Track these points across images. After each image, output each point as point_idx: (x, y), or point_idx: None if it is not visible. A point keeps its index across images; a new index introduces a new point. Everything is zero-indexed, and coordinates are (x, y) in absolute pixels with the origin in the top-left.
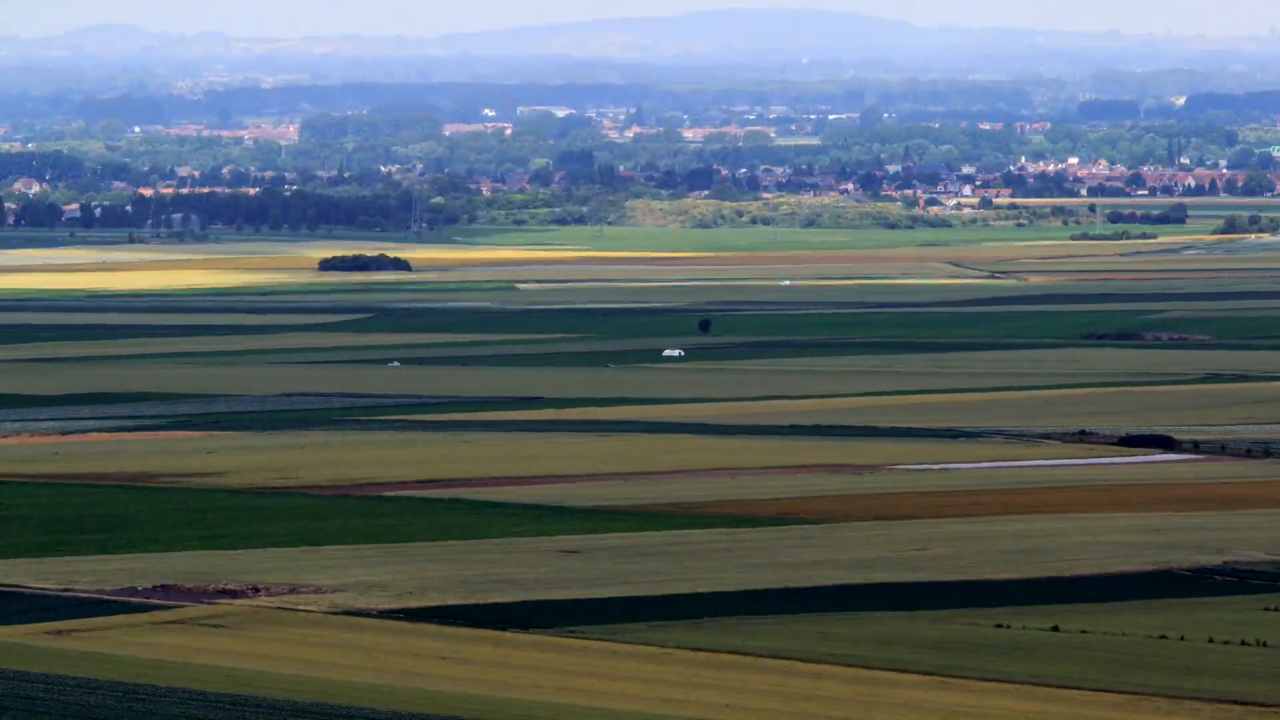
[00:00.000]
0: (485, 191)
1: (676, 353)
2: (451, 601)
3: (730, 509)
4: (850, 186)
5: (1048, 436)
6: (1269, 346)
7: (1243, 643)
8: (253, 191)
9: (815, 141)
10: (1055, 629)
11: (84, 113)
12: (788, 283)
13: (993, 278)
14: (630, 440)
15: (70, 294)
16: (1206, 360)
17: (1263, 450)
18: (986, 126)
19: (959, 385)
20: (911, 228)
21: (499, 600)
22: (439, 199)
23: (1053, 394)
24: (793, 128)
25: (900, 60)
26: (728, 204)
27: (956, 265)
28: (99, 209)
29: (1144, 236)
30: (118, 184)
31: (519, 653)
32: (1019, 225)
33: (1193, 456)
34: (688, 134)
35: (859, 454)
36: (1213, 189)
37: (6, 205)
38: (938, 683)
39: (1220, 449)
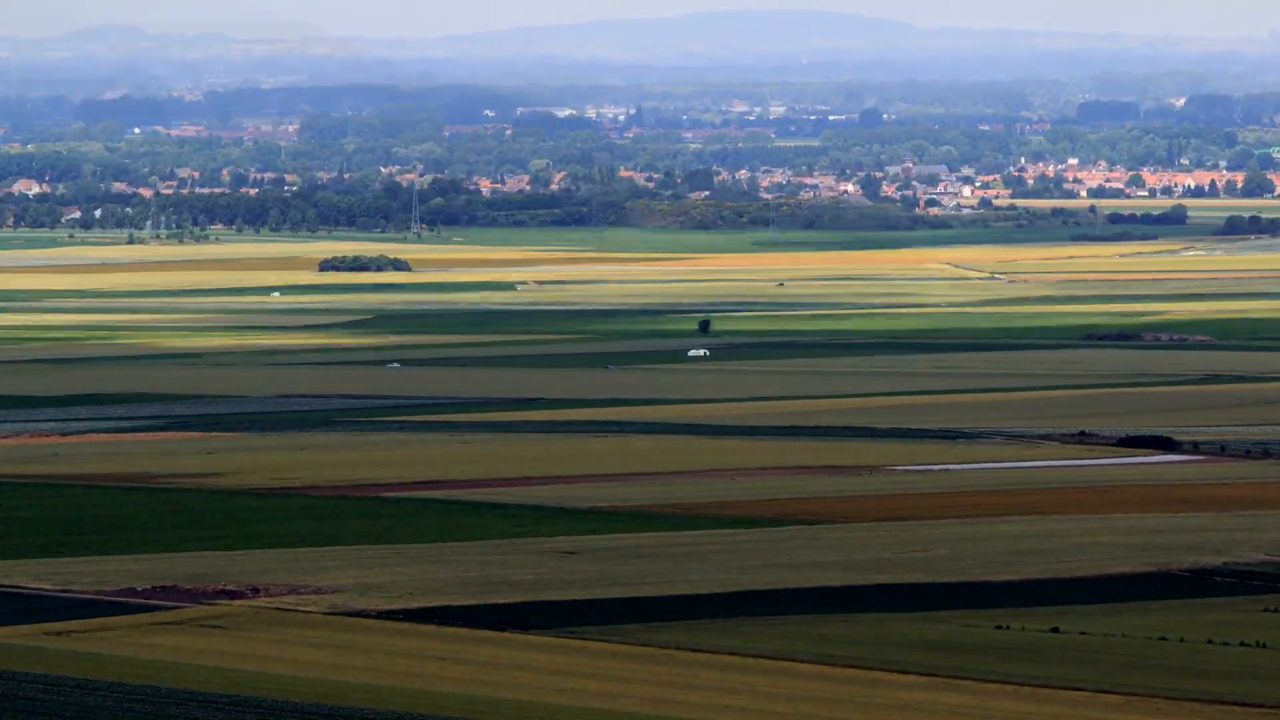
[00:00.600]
0: (485, 192)
1: (701, 353)
2: (451, 602)
3: (730, 510)
4: (850, 187)
5: (1047, 437)
6: (1268, 347)
7: (1242, 644)
8: (252, 192)
9: (815, 143)
10: (1055, 630)
11: (84, 114)
12: (783, 283)
13: (993, 279)
14: (629, 441)
15: (70, 295)
16: (1206, 361)
17: (1262, 451)
18: (986, 128)
19: (959, 386)
20: (911, 229)
21: (498, 601)
22: (439, 200)
23: (1053, 395)
24: (793, 129)
25: (900, 61)
26: (727, 205)
27: (956, 266)
28: (99, 211)
29: (1144, 238)
30: (118, 185)
31: (518, 654)
32: (1019, 226)
33: (1192, 457)
34: (687, 135)
35: (858, 455)
36: (1212, 190)
37: (6, 207)
38: (937, 684)
39: (1220, 450)
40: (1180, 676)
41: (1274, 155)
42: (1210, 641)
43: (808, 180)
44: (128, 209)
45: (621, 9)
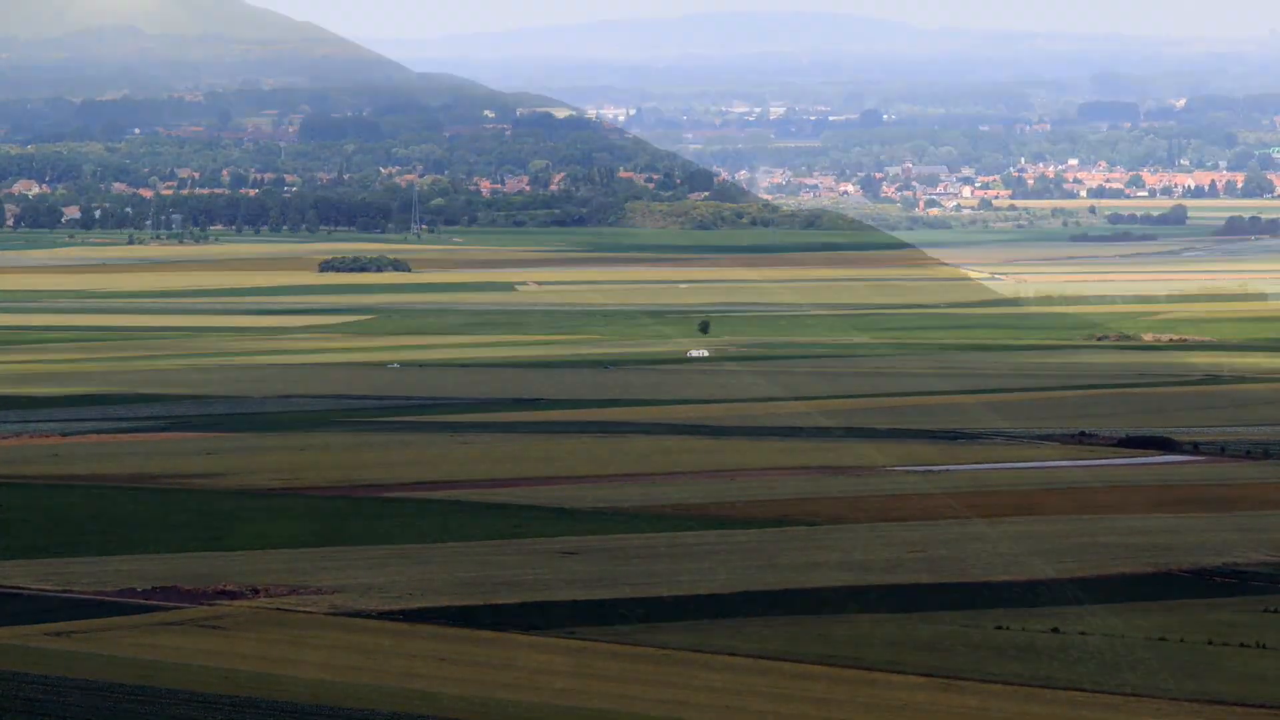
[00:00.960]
0: (485, 193)
1: (701, 353)
2: (451, 603)
3: (729, 511)
4: (850, 188)
5: (1047, 438)
6: (1268, 348)
7: (1242, 644)
8: (252, 193)
9: (815, 143)
10: (1055, 630)
11: (83, 114)
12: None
13: (993, 279)
14: (629, 442)
15: (70, 295)
16: (1206, 362)
17: (1262, 452)
18: (986, 128)
19: (959, 386)
20: (911, 229)
21: (498, 601)
22: (439, 200)
23: (1053, 395)
24: (793, 129)
25: (900, 62)
26: (727, 205)
27: (955, 266)
28: (99, 211)
29: (1144, 238)
30: (117, 186)
31: (518, 654)
32: (1018, 227)
33: (1192, 458)
34: (687, 135)
35: (858, 456)
36: (1212, 191)
37: (6, 207)
38: (937, 684)
39: (1220, 451)
40: (1180, 677)
41: (1274, 156)
42: (1210, 642)
43: (808, 181)
44: (128, 209)
45: (621, 9)
